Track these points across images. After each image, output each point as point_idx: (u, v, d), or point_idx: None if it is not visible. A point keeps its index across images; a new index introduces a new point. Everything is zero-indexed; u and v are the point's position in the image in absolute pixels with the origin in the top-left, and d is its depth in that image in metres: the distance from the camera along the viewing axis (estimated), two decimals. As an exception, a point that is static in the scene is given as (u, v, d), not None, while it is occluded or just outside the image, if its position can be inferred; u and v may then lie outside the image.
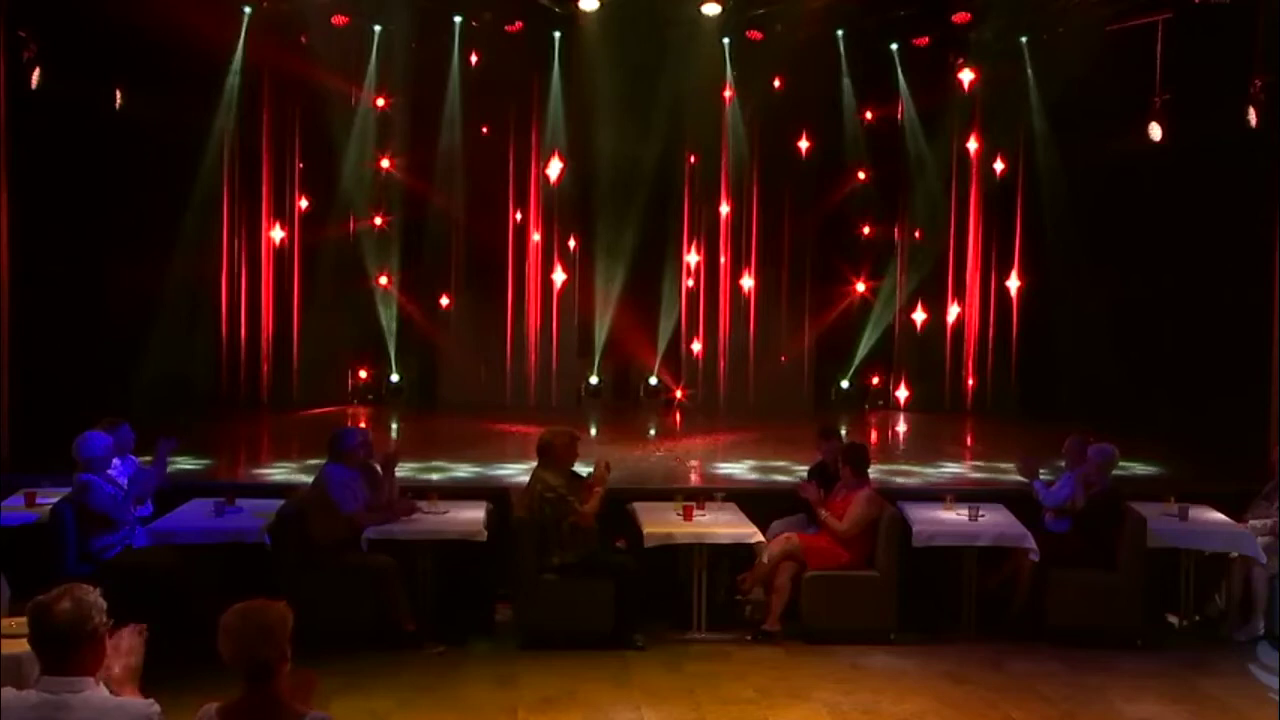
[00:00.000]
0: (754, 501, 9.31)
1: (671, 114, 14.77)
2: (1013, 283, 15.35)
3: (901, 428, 14.20)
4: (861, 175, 15.44)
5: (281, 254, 14.90)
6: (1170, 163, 12.97)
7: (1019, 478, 9.49)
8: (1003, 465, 11.52)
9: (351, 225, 14.94)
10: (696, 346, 15.49)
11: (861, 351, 15.55)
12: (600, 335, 15.22)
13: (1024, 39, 14.52)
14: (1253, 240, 11.45)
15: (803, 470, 10.19)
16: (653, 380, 15.30)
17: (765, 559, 8.54)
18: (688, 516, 8.63)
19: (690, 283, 15.41)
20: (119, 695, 3.72)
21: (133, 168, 13.01)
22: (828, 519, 8.61)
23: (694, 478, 11.17)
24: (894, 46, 15.11)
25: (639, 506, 8.92)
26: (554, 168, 15.19)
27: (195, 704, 3.80)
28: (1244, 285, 11.60)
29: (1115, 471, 9.04)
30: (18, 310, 10.79)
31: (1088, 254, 13.97)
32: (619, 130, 14.59)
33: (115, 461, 8.48)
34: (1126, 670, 7.96)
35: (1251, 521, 8.95)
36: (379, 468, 8.69)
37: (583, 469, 8.73)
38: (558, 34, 14.72)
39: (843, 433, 12.90)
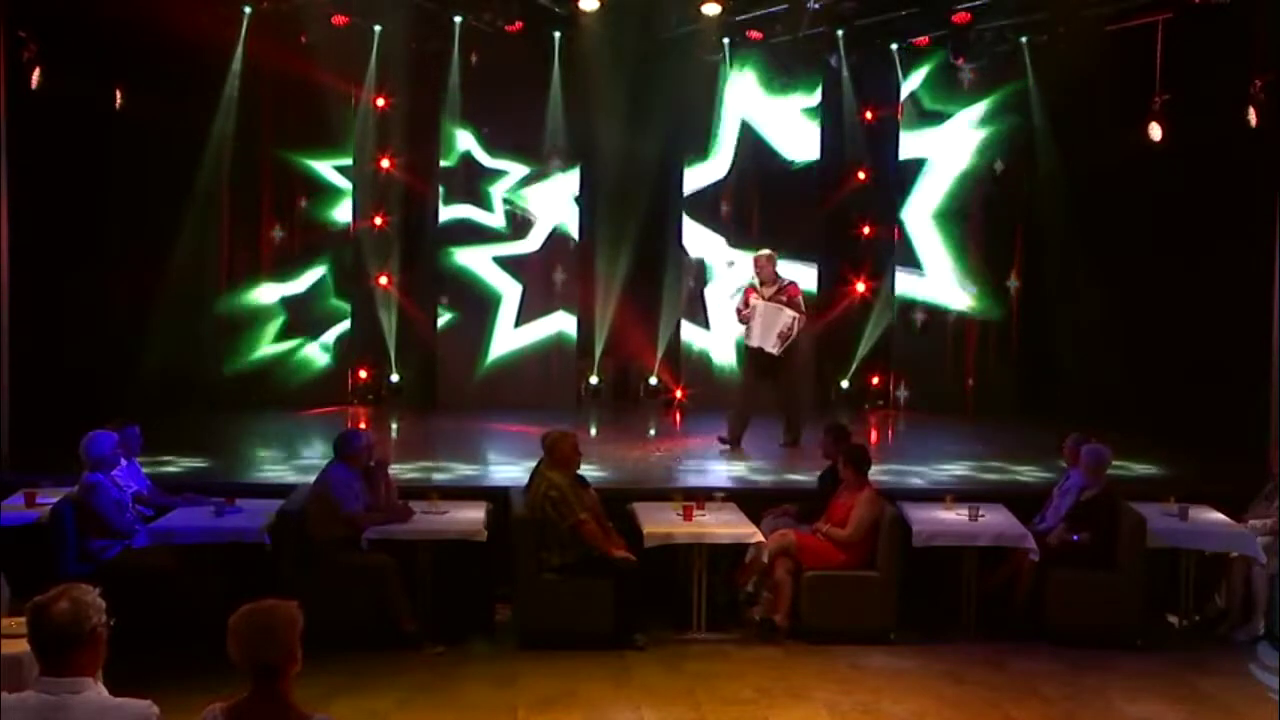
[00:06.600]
0: (754, 501, 9.32)
1: (672, 113, 14.74)
2: (1012, 283, 15.32)
3: (901, 428, 14.17)
4: (861, 175, 15.41)
5: (281, 253, 14.86)
6: (1170, 163, 12.95)
7: (1020, 479, 9.48)
8: (1002, 465, 11.51)
9: (352, 225, 14.91)
10: (696, 346, 15.45)
11: (861, 351, 15.51)
12: (600, 335, 15.18)
13: (1024, 39, 14.49)
14: (1253, 240, 11.44)
15: (802, 470, 10.19)
16: (653, 380, 15.27)
17: (765, 558, 8.54)
18: (687, 516, 8.64)
19: (690, 282, 15.37)
20: None
21: (133, 168, 13.01)
22: (830, 530, 8.61)
23: (693, 478, 11.12)
24: (894, 46, 15.09)
25: (639, 506, 8.93)
26: (554, 168, 15.15)
27: (196, 704, 3.80)
28: (1244, 285, 11.59)
29: (1116, 471, 9.03)
30: (17, 309, 10.79)
31: (1088, 254, 13.96)
32: (619, 130, 14.56)
33: (120, 463, 8.49)
34: (1126, 670, 7.97)
35: (1251, 521, 8.96)
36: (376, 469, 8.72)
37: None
38: (557, 34, 14.70)
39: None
